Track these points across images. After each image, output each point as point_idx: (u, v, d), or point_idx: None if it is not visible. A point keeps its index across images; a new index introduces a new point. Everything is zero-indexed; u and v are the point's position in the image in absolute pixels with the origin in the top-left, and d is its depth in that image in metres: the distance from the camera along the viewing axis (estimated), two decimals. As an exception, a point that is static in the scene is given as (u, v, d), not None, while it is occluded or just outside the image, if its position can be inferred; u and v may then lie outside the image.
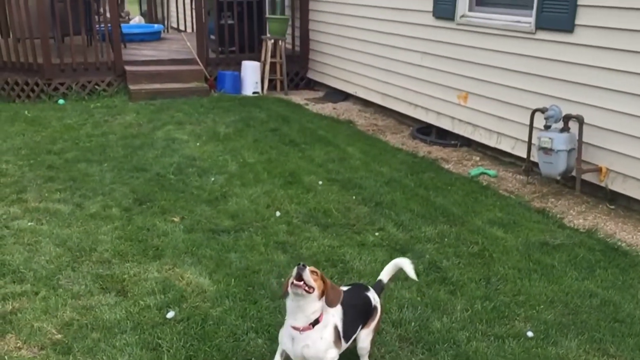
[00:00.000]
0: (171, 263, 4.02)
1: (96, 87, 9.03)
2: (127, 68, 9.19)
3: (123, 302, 3.55)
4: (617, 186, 5.07)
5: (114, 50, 9.17)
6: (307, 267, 2.57)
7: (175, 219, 4.70)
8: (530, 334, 3.29)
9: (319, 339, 2.65)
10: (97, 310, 3.47)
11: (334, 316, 2.71)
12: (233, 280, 3.79)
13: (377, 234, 4.53)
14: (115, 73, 9.15)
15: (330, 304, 2.66)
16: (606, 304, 3.60)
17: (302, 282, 2.54)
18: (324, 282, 2.64)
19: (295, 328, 2.66)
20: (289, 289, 2.58)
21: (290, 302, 2.66)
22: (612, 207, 5.11)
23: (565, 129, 5.20)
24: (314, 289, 2.58)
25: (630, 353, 3.14)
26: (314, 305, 2.62)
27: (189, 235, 4.42)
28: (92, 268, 3.95)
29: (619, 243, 4.44)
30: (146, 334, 3.24)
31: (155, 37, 12.59)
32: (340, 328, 2.72)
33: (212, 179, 5.59)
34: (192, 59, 9.71)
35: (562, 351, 3.14)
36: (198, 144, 6.70)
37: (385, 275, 3.14)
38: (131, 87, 8.96)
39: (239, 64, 9.62)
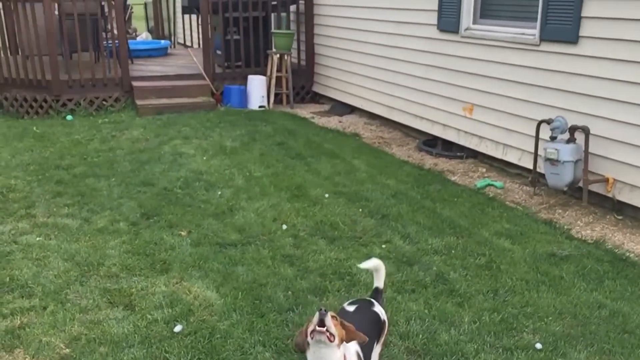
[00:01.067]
0: (178, 277, 4.03)
1: (104, 102, 9.11)
2: (135, 84, 9.27)
3: (131, 316, 3.56)
4: (624, 196, 5.05)
5: (121, 66, 9.26)
6: (329, 312, 2.35)
7: (182, 233, 4.72)
8: (538, 345, 3.27)
9: None
10: (104, 324, 3.48)
11: (354, 344, 2.53)
12: (240, 293, 3.80)
13: (383, 246, 4.53)
14: (123, 89, 9.23)
15: (349, 341, 2.46)
16: (615, 315, 3.57)
17: (324, 329, 2.30)
18: (344, 328, 2.41)
19: None
20: (310, 338, 2.33)
21: (310, 355, 2.39)
22: (620, 217, 5.09)
23: (572, 139, 5.19)
24: (334, 337, 2.33)
25: (641, 365, 3.12)
26: (335, 354, 2.35)
27: (196, 249, 4.43)
28: (99, 282, 3.96)
29: (627, 254, 4.42)
30: (154, 348, 3.24)
31: (162, 52, 12.71)
32: (360, 354, 2.58)
33: (219, 192, 5.61)
34: (198, 74, 9.79)
35: (571, 363, 3.12)
36: (205, 158, 6.73)
37: (378, 281, 3.07)
38: (138, 102, 9.03)
39: (245, 79, 9.68)
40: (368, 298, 3.04)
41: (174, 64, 11.28)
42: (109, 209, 5.20)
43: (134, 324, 3.48)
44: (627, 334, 3.39)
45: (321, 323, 2.30)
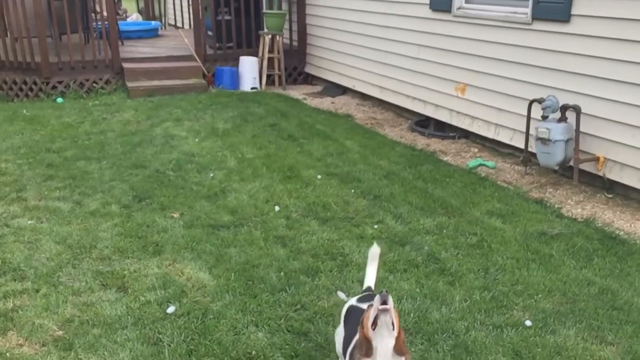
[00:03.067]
0: (171, 259, 4.04)
1: (94, 85, 9.04)
2: (125, 65, 9.19)
3: (123, 298, 3.57)
4: (615, 175, 5.08)
5: (111, 47, 9.17)
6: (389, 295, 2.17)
7: (174, 215, 4.72)
8: (528, 323, 3.30)
9: None
10: (97, 306, 3.49)
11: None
12: (233, 274, 3.81)
13: (375, 226, 4.54)
14: (113, 70, 9.15)
15: (399, 351, 2.21)
16: (604, 292, 3.61)
17: (388, 306, 2.14)
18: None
19: None
20: (372, 329, 2.14)
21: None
22: (610, 196, 5.13)
23: (563, 119, 5.20)
24: (393, 326, 2.16)
25: (628, 340, 3.16)
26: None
27: (188, 231, 4.44)
28: (92, 265, 3.97)
29: (617, 232, 4.45)
30: (147, 329, 3.26)
31: (152, 34, 12.58)
32: None
33: (211, 174, 5.60)
34: (189, 56, 9.72)
35: (560, 339, 3.16)
36: (197, 140, 6.71)
37: (371, 280, 2.87)
38: (129, 84, 8.97)
39: (237, 60, 9.62)
40: (371, 292, 2.80)
41: (164, 45, 11.18)
42: (101, 192, 5.18)
43: (126, 305, 3.49)
44: (616, 311, 3.43)
45: (384, 302, 2.13)
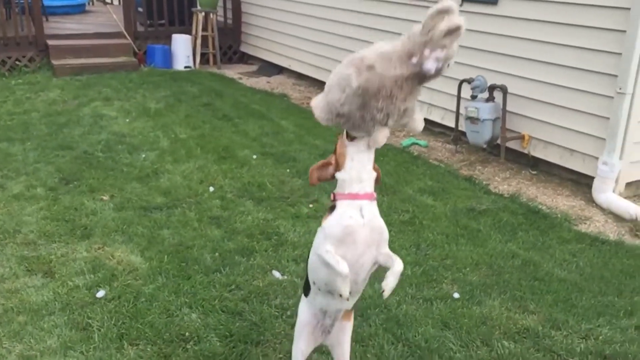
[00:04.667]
0: (101, 242, 3.93)
1: (17, 62, 8.59)
2: (50, 42, 8.78)
3: (50, 284, 3.45)
4: (539, 152, 5.31)
5: (34, 23, 8.72)
6: None
7: (104, 198, 4.59)
8: (456, 295, 3.43)
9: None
10: (22, 293, 3.36)
11: None
12: (166, 256, 3.75)
13: (311, 205, 4.57)
14: (37, 48, 8.72)
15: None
16: (527, 264, 3.79)
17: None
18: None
19: (366, 195, 2.17)
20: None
21: (362, 154, 2.17)
22: (534, 172, 5.36)
23: (491, 98, 5.37)
24: None
25: (549, 309, 3.33)
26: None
27: (119, 214, 4.33)
28: (16, 250, 3.81)
29: (540, 206, 4.67)
30: (75, 314, 3.17)
31: (79, 9, 12.05)
32: None
33: (143, 155, 5.47)
34: (119, 33, 9.38)
35: (485, 310, 3.30)
36: (127, 120, 6.51)
37: None
38: (55, 62, 8.57)
39: (169, 38, 9.36)
40: None
41: (92, 21, 10.75)
42: (25, 174, 4.96)
43: (53, 291, 3.38)
44: (538, 281, 3.61)
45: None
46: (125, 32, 9.26)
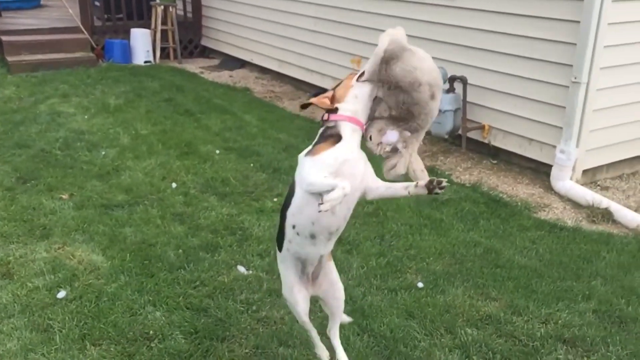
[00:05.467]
0: (61, 242, 3.85)
1: (-32, 59, 8.32)
2: (4, 38, 8.52)
3: (9, 285, 3.37)
4: (499, 142, 5.40)
5: (-14, 19, 8.46)
6: None
7: (63, 196, 4.49)
8: (420, 284, 3.47)
9: None
10: (-21, 296, 3.27)
11: None
12: (128, 255, 3.70)
13: (275, 199, 4.56)
14: (-10, 44, 8.46)
15: None
16: (488, 252, 3.86)
17: None
18: None
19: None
20: None
21: (365, 96, 2.24)
22: (495, 162, 5.45)
23: (451, 89, 5.44)
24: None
25: (510, 295, 3.41)
26: None
27: (79, 212, 4.24)
28: (-28, 253, 3.70)
29: (500, 195, 4.76)
30: (36, 316, 3.10)
31: (33, 4, 11.70)
32: None
33: (103, 152, 5.36)
34: (75, 27, 9.14)
35: (449, 298, 3.35)
36: (86, 117, 6.38)
37: None
38: (9, 58, 8.32)
39: (128, 32, 9.18)
40: None
41: (47, 16, 10.47)
42: (-20, 175, 4.82)
43: (12, 292, 3.29)
44: (499, 269, 3.68)
45: None
46: (82, 27, 9.04)
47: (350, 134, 2.21)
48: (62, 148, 5.43)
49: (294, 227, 2.28)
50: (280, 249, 2.43)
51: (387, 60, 2.20)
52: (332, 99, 2.28)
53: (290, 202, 2.28)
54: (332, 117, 2.25)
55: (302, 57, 7.75)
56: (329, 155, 2.14)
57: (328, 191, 2.01)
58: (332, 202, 2.00)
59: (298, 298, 2.44)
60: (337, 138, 2.19)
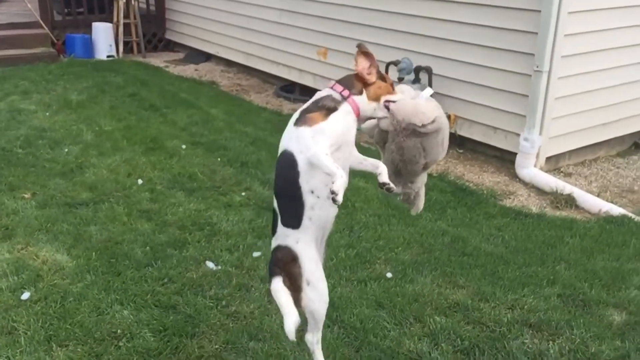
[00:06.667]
0: (24, 242, 3.76)
1: None
2: (-41, 34, 8.27)
3: (-30, 289, 3.28)
4: (465, 131, 5.46)
5: (-60, 14, 8.18)
6: None
7: (25, 196, 4.38)
8: (389, 274, 3.50)
9: None
10: (-61, 300, 3.18)
11: None
12: (94, 253, 3.63)
13: (243, 194, 4.53)
14: (-55, 40, 8.20)
15: None
16: (456, 240, 3.91)
17: None
18: None
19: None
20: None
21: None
22: (461, 151, 5.52)
23: (417, 80, 5.47)
24: None
25: (477, 282, 3.46)
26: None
27: (42, 212, 4.15)
28: None
29: (467, 184, 4.82)
30: (-1, 319, 3.03)
31: (-10, -2, 11.39)
32: None
33: (66, 150, 5.25)
34: (35, 22, 8.93)
35: (417, 287, 3.38)
36: (48, 113, 6.24)
37: None
38: (-35, 55, 8.09)
39: (90, 27, 9.00)
40: None
41: (5, 11, 10.20)
42: (-63, 175, 4.67)
43: (-26, 296, 3.21)
44: (466, 256, 3.73)
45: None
46: (41, 22, 8.83)
47: (345, 113, 2.27)
48: (24, 146, 5.30)
49: (312, 192, 2.24)
50: (295, 226, 2.29)
51: (415, 131, 2.27)
52: (366, 83, 2.32)
53: (287, 175, 2.25)
54: (349, 97, 2.29)
55: (268, 49, 7.70)
56: (329, 126, 2.20)
57: (326, 173, 2.11)
58: (341, 191, 2.06)
59: (323, 274, 2.36)
60: (329, 111, 2.23)
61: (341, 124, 2.26)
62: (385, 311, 3.16)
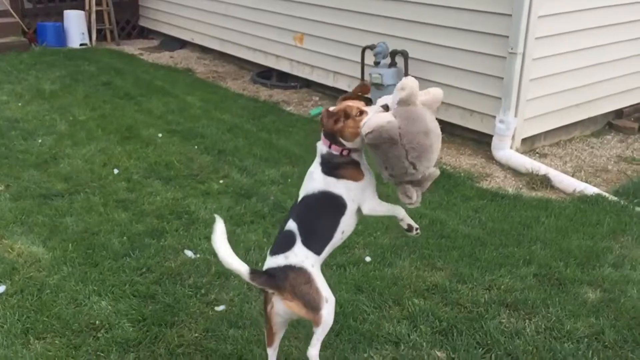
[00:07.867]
0: (-2, 235, 3.71)
1: None
2: None
3: (-57, 284, 3.23)
4: (441, 114, 5.46)
5: None
6: None
7: (-1, 188, 4.32)
8: (368, 259, 3.52)
9: None
10: None
11: None
12: (70, 245, 3.60)
13: (221, 181, 4.51)
14: None
15: None
16: (434, 223, 3.94)
17: None
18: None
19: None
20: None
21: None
22: (438, 134, 5.53)
23: (393, 64, 5.47)
24: None
25: (455, 264, 3.49)
26: None
27: (16, 204, 4.09)
28: None
29: (444, 167, 4.85)
30: (-26, 314, 2.99)
31: (-43, -14, 11.07)
32: None
33: (39, 140, 5.17)
34: (5, 11, 8.71)
35: (396, 271, 3.41)
36: (20, 104, 6.12)
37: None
38: None
39: (61, 14, 8.82)
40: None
41: (-27, -1, 9.91)
42: None
43: (-52, 291, 3.16)
44: (444, 239, 3.77)
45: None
46: (11, 10, 8.62)
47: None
48: (-5, 138, 5.21)
49: (343, 232, 2.52)
50: (318, 252, 2.41)
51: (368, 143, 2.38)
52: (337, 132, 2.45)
53: (331, 215, 2.47)
54: (343, 150, 2.47)
55: (244, 35, 7.63)
56: (368, 182, 2.57)
57: (388, 215, 2.68)
58: (410, 221, 2.70)
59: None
60: (354, 164, 2.51)
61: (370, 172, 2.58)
62: (365, 295, 3.18)
